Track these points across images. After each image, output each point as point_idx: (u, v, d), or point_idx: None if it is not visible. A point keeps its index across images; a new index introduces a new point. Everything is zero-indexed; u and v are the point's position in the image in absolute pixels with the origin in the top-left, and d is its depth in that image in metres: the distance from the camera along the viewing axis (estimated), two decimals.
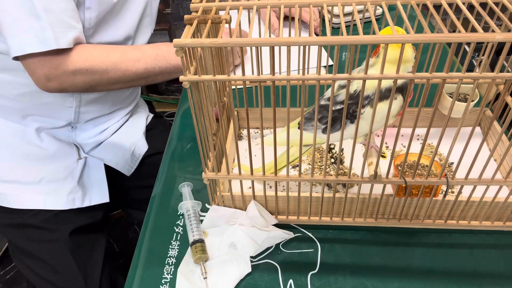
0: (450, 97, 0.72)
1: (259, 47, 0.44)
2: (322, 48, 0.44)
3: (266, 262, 0.60)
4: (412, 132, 0.48)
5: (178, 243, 0.64)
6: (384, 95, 0.53)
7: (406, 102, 0.50)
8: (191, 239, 0.62)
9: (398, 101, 0.54)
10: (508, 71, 0.49)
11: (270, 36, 0.56)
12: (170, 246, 0.63)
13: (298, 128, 0.62)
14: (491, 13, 0.49)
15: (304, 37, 0.42)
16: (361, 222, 0.64)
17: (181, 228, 0.66)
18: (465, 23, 0.55)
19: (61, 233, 0.87)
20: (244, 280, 0.58)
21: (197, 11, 0.51)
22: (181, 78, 0.46)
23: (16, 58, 0.69)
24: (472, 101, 0.71)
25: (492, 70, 0.45)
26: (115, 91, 0.90)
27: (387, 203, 0.61)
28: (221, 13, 0.52)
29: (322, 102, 0.59)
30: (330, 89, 0.63)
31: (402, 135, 0.77)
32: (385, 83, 0.53)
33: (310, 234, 0.64)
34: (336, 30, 1.19)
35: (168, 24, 1.88)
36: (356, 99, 0.55)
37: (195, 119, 0.51)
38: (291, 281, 0.58)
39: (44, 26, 0.65)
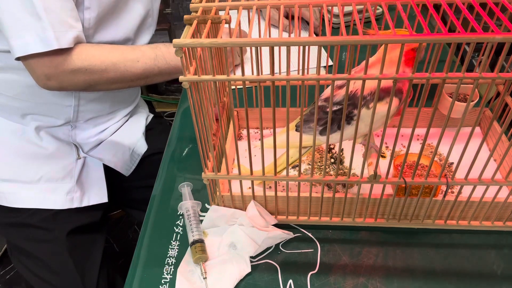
0: (450, 97, 0.72)
1: (258, 47, 0.44)
2: (322, 48, 0.44)
3: (266, 262, 0.60)
4: (412, 132, 0.48)
5: (178, 243, 0.64)
6: (380, 96, 0.53)
7: (406, 102, 0.50)
8: (191, 239, 0.61)
9: (393, 103, 0.54)
10: (508, 71, 0.49)
11: (270, 34, 0.56)
12: (170, 246, 0.63)
13: (296, 130, 0.62)
14: (491, 13, 0.49)
15: (304, 37, 0.42)
16: (361, 222, 0.64)
17: (181, 228, 0.66)
18: (465, 23, 0.55)
19: (59, 233, 0.87)
20: (244, 280, 0.58)
21: (197, 11, 0.51)
22: (181, 78, 0.46)
23: (17, 58, 0.69)
24: (472, 101, 0.71)
25: (492, 70, 0.45)
26: (115, 91, 0.90)
27: (386, 203, 0.61)
28: (221, 13, 0.52)
29: (319, 103, 0.59)
30: (326, 90, 0.63)
31: (402, 135, 0.77)
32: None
33: (310, 234, 0.64)
34: (336, 30, 1.19)
35: (168, 24, 1.88)
36: (352, 100, 0.55)
37: (195, 119, 0.51)
38: (290, 281, 0.58)
39: (45, 26, 0.65)
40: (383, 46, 0.52)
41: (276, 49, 0.63)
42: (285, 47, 0.47)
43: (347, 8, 1.10)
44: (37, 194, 0.87)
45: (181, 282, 0.58)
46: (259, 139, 0.76)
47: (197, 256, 0.59)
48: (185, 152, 0.81)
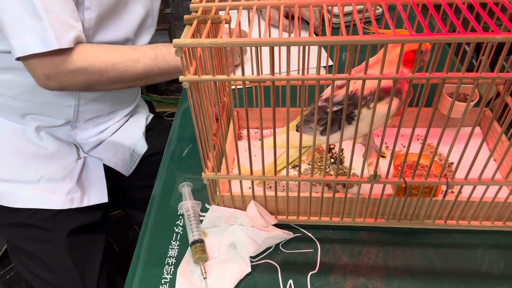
0: (450, 97, 0.72)
1: (258, 47, 0.44)
2: (322, 48, 0.44)
3: (266, 262, 0.60)
4: (412, 132, 0.48)
5: (178, 243, 0.64)
6: (380, 96, 0.53)
7: (406, 102, 0.50)
8: (191, 239, 0.62)
9: (393, 103, 0.54)
10: (508, 71, 0.49)
11: (270, 34, 0.56)
12: (170, 246, 0.63)
13: (297, 130, 0.62)
14: (491, 13, 0.49)
15: (304, 37, 0.42)
16: (361, 222, 0.64)
17: (181, 228, 0.66)
18: (465, 23, 0.55)
19: (59, 233, 0.87)
20: (244, 280, 0.58)
21: (197, 11, 0.51)
22: (181, 78, 0.46)
23: (18, 58, 0.69)
24: (472, 101, 0.71)
25: (492, 70, 0.45)
26: (115, 91, 0.90)
27: (386, 203, 0.61)
28: (221, 13, 0.52)
29: (320, 104, 0.59)
30: (326, 90, 0.63)
31: (402, 135, 0.77)
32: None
33: (309, 234, 0.64)
34: (336, 30, 1.19)
35: (168, 24, 1.88)
36: (352, 100, 0.55)
37: (195, 119, 0.51)
38: (290, 281, 0.58)
39: (46, 26, 0.66)
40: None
41: (276, 49, 0.63)
42: (285, 47, 0.46)
43: (347, 8, 1.10)
44: (37, 194, 0.87)
45: (181, 282, 0.58)
46: (259, 139, 0.76)
47: (197, 256, 0.59)
48: (185, 152, 0.81)
